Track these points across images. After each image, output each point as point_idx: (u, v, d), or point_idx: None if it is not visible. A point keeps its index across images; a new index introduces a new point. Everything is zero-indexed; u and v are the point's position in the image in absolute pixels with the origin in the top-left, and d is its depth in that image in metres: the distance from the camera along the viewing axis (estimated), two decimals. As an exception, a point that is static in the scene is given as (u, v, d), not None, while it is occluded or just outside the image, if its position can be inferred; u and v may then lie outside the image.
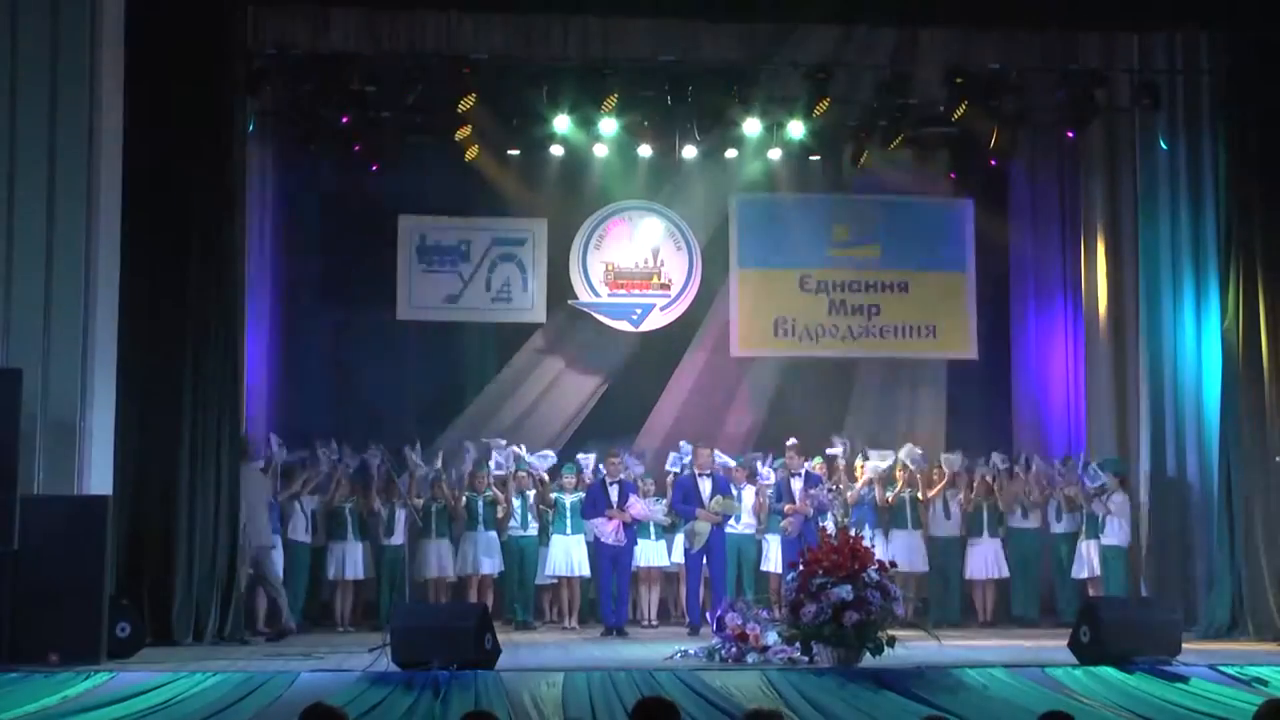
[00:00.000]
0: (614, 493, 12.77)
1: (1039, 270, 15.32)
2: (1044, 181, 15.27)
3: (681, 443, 13.87)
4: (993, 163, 14.35)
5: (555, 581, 13.58)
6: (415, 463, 13.47)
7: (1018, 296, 15.49)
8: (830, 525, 11.92)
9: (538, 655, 10.56)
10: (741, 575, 13.57)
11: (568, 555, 13.35)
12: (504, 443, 13.71)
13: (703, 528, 12.64)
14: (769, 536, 13.61)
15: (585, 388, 15.34)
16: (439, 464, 13.52)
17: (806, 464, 13.36)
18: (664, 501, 13.26)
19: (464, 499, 13.50)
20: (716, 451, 13.83)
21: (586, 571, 13.34)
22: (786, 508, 12.78)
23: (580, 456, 13.82)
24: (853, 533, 9.91)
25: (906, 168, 15.10)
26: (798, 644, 9.64)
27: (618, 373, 15.43)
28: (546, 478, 13.66)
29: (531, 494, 13.57)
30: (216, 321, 11.69)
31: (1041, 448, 14.67)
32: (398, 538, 13.19)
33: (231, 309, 11.84)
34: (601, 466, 13.16)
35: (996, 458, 14.05)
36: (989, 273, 15.37)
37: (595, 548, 12.86)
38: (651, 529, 13.49)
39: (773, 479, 13.57)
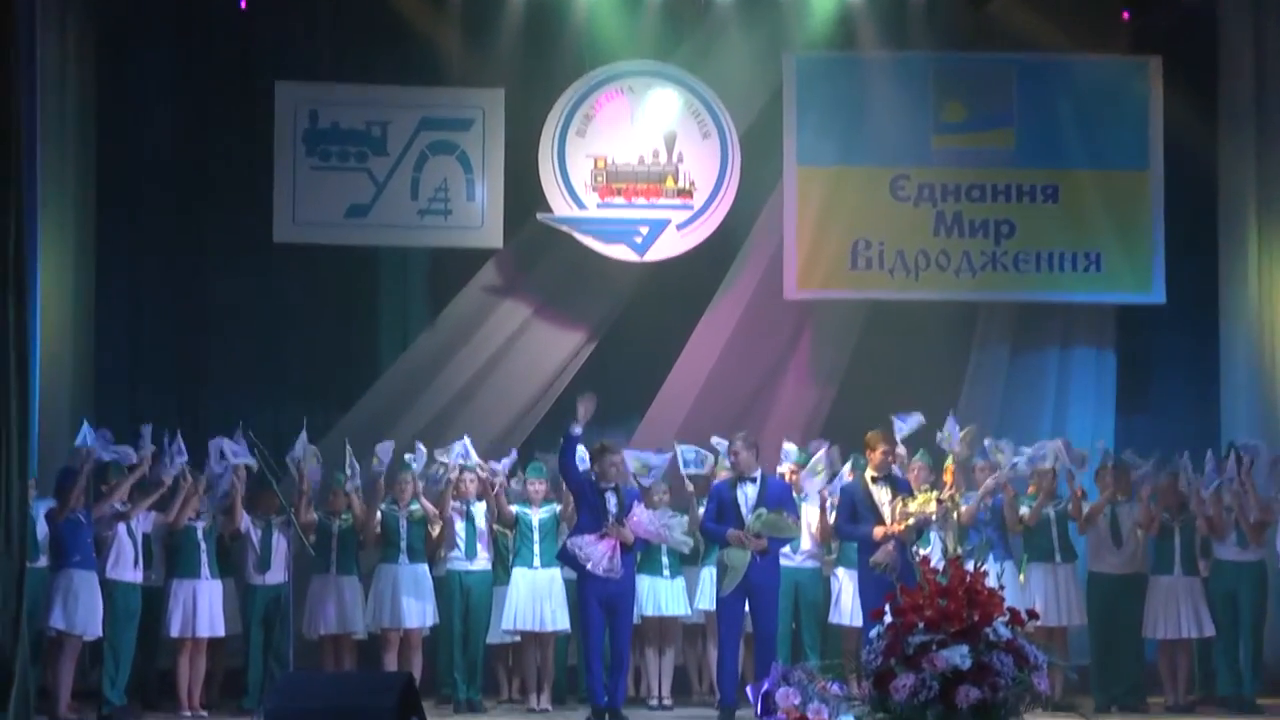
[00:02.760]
0: (610, 500, 12.61)
1: (1266, 170, 15.20)
2: (1275, 31, 15.13)
3: (715, 440, 13.70)
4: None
5: (517, 639, 13.53)
6: (304, 460, 13.36)
7: (1230, 210, 15.40)
8: (935, 554, 11.73)
9: (490, 751, 10.44)
10: (800, 629, 13.53)
11: (536, 599, 13.27)
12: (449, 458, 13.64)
13: (737, 559, 12.47)
14: (840, 571, 13.57)
15: (563, 347, 15.35)
16: (354, 465, 13.44)
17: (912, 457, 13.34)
18: (683, 517, 13.10)
19: (378, 514, 13.42)
20: (787, 446, 13.75)
21: (564, 624, 13.29)
22: (876, 530, 12.60)
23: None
24: (970, 566, 9.71)
25: (1055, 9, 15.04)
26: (887, 735, 9.50)
27: (612, 324, 15.45)
28: (503, 482, 13.54)
29: (480, 507, 13.47)
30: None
31: (1268, 442, 14.38)
32: (277, 573, 13.11)
33: (8, 229, 11.58)
34: (588, 461, 13.00)
35: (1195, 458, 13.87)
36: (1185, 173, 15.31)
37: (580, 586, 12.70)
38: (664, 558, 13.42)
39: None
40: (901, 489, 12.75)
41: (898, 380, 14.79)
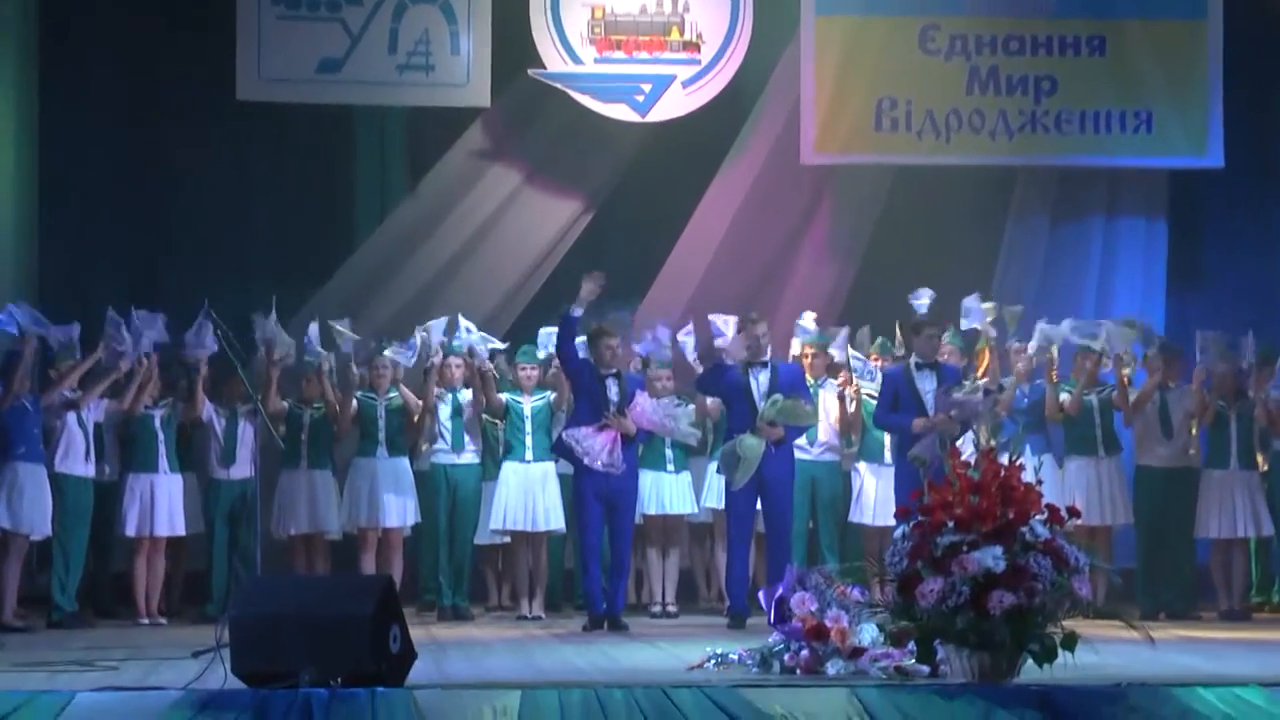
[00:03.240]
0: (611, 388, 12.62)
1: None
2: None
3: (712, 318, 13.70)
4: None
5: (507, 540, 13.60)
6: (273, 341, 13.36)
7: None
8: (968, 446, 11.75)
9: (479, 663, 10.49)
10: (818, 528, 13.61)
11: (528, 496, 13.31)
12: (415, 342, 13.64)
13: (750, 449, 12.47)
14: (862, 466, 13.65)
15: (557, 217, 15.39)
16: (315, 343, 13.45)
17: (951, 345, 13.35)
18: (689, 406, 13.13)
19: (354, 403, 13.46)
20: (811, 320, 13.73)
21: (559, 523, 13.36)
22: (917, 422, 12.60)
23: (545, 331, 13.70)
24: (1004, 458, 9.71)
25: None
26: (912, 645, 9.54)
27: (611, 192, 15.47)
28: (490, 368, 13.55)
29: (466, 395, 13.50)
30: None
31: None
32: (243, 467, 13.20)
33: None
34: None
35: (1254, 341, 13.86)
36: (1247, 23, 15.22)
37: (577, 482, 12.73)
38: (668, 452, 13.47)
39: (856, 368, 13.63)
40: (949, 378, 12.73)
41: (926, 254, 14.80)
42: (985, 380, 13.24)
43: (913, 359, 12.88)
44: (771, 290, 15.16)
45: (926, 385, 12.71)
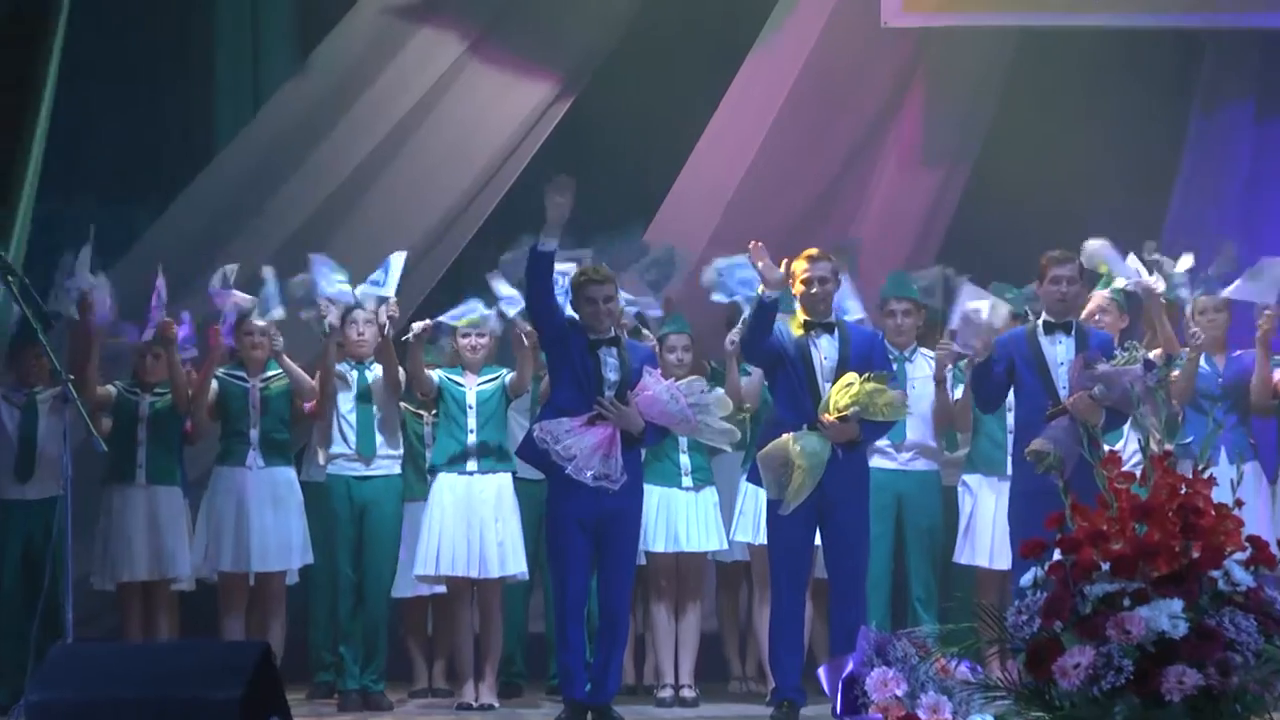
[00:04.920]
0: (607, 363, 12.57)
1: None
2: None
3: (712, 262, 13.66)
4: None
5: (441, 592, 13.69)
6: (91, 292, 13.34)
7: None
8: (1129, 447, 11.74)
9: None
10: (907, 572, 13.68)
11: (472, 525, 13.33)
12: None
13: (810, 455, 12.38)
14: (974, 480, 13.70)
15: (517, 107, 15.54)
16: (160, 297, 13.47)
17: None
18: (719, 390, 13.06)
19: (214, 384, 13.48)
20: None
21: (520, 566, 13.42)
22: (1065, 403, 12.56)
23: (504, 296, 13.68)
24: (1186, 468, 9.70)
25: None
26: (1048, 746, 9.54)
27: (599, 70, 15.65)
28: (429, 327, 13.52)
29: (376, 372, 13.56)
30: None
31: None
32: (45, 483, 13.25)
33: None
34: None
35: None
36: None
37: (553, 503, 12.65)
38: (683, 458, 13.53)
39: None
40: (1097, 345, 12.66)
41: (1067, 160, 14.91)
42: (1158, 350, 13.20)
43: (1042, 318, 12.84)
44: (838, 214, 15.30)
45: (1060, 354, 12.69)
